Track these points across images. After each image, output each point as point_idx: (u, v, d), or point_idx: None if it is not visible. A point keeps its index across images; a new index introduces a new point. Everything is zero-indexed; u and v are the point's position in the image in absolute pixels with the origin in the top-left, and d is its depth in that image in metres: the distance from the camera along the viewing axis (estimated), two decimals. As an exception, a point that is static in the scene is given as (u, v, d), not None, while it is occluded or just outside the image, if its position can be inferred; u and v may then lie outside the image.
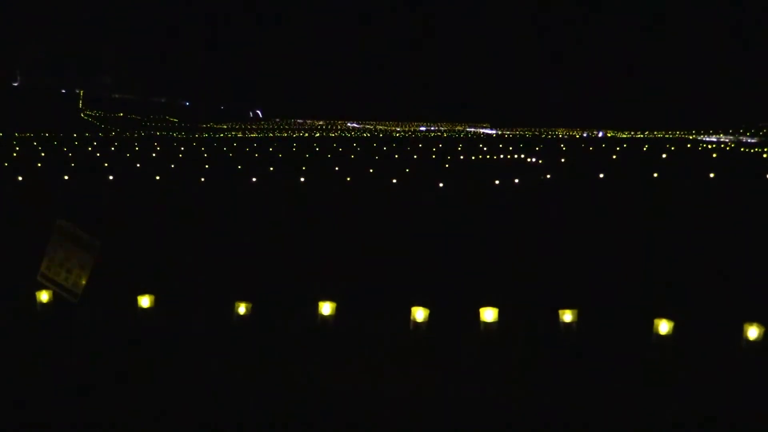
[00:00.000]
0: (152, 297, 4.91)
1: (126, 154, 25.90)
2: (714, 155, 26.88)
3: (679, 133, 54.96)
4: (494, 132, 67.57)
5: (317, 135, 51.72)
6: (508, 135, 55.60)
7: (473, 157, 24.98)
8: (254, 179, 15.83)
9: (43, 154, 24.97)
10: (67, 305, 4.87)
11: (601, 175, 17.12)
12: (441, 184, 14.84)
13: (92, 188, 14.71)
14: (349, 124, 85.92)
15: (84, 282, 4.82)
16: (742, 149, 32.10)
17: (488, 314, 4.56)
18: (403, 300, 4.96)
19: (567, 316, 4.54)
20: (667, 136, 52.41)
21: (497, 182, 15.24)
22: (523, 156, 25.39)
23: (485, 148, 30.80)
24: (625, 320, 4.96)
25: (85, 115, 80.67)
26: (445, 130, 70.83)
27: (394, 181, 15.53)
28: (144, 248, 7.86)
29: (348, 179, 16.19)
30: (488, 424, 3.68)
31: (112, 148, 29.67)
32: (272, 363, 4.39)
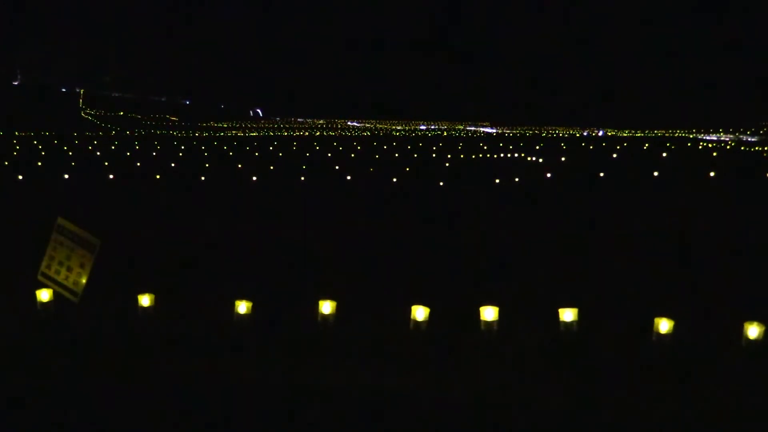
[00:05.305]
0: (152, 296, 4.91)
1: (126, 153, 25.90)
2: (714, 154, 26.87)
3: (680, 132, 54.94)
4: (494, 131, 67.58)
5: (317, 134, 51.73)
6: (508, 134, 55.60)
7: (473, 156, 24.98)
8: (254, 178, 15.83)
9: (43, 153, 24.98)
10: (67, 304, 4.88)
11: (602, 174, 17.13)
12: (441, 183, 14.84)
13: (92, 187, 14.71)
14: (349, 123, 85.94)
15: (84, 281, 4.83)
16: (742, 148, 32.09)
17: (488, 313, 4.56)
18: (403, 299, 4.96)
19: (567, 315, 4.53)
20: (667, 134, 52.38)
21: (497, 181, 15.24)
22: (523, 155, 25.37)
23: (485, 147, 30.79)
24: (625, 320, 4.96)
25: (85, 114, 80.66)
26: (444, 129, 70.84)
27: (395, 180, 15.53)
28: (144, 247, 7.86)
29: (348, 177, 16.18)
30: (488, 423, 3.68)
31: (113, 147, 29.67)
32: (272, 361, 4.39)
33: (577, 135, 53.53)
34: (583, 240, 8.39)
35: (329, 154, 25.83)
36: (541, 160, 22.46)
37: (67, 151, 26.55)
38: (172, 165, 20.09)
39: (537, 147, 30.81)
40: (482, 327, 4.56)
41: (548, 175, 17.03)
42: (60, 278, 4.86)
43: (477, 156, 25.14)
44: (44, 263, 4.90)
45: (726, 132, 53.45)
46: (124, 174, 17.14)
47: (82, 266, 4.83)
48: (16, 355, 4.53)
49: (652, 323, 4.34)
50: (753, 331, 4.27)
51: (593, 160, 22.63)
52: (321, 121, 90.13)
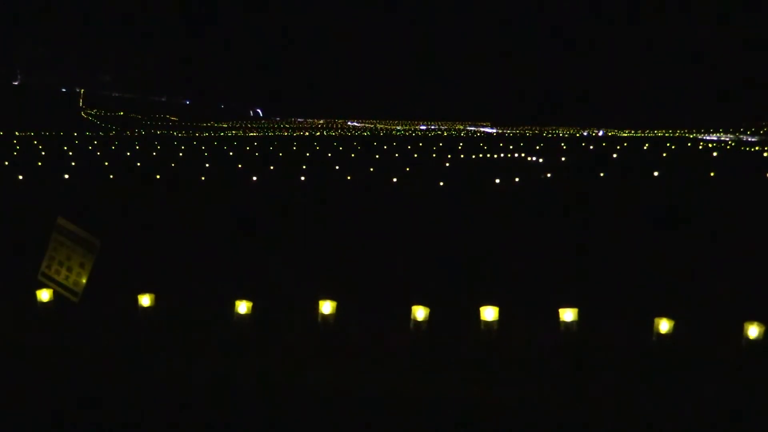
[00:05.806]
0: (153, 296, 4.91)
1: (126, 153, 25.90)
2: (714, 154, 26.86)
3: (680, 132, 54.93)
4: (494, 131, 67.57)
5: (317, 134, 51.73)
6: (509, 134, 55.59)
7: (473, 156, 24.97)
8: (255, 178, 15.82)
9: (43, 153, 24.97)
10: (67, 304, 4.88)
11: (602, 174, 17.12)
12: (441, 183, 14.83)
13: (93, 187, 14.70)
14: (349, 123, 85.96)
15: (84, 281, 4.83)
16: (742, 148, 32.08)
17: (488, 313, 4.55)
18: (403, 299, 4.96)
19: (567, 315, 4.53)
20: (667, 134, 52.37)
21: (497, 181, 15.23)
22: (523, 155, 25.37)
23: (485, 147, 30.78)
24: (625, 320, 4.96)
25: (85, 114, 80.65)
26: (445, 129, 70.83)
27: (395, 180, 15.52)
28: (144, 247, 7.85)
29: (348, 177, 16.18)
30: (488, 423, 3.68)
31: (113, 147, 29.67)
32: (272, 361, 4.39)
33: (577, 135, 53.50)
34: (583, 240, 8.38)
35: (329, 154, 25.81)
36: (541, 160, 22.46)
37: (67, 151, 26.53)
38: (172, 165, 20.08)
39: (537, 147, 30.80)
40: (482, 327, 4.56)
41: (548, 174, 17.03)
42: (60, 278, 4.86)
43: (477, 156, 25.13)
44: (44, 263, 4.90)
45: (726, 132, 53.42)
46: (124, 174, 17.14)
47: (82, 266, 4.83)
48: (16, 355, 4.53)
49: (652, 323, 4.34)
50: (753, 331, 4.27)
51: (593, 160, 22.62)
52: (321, 121, 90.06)
